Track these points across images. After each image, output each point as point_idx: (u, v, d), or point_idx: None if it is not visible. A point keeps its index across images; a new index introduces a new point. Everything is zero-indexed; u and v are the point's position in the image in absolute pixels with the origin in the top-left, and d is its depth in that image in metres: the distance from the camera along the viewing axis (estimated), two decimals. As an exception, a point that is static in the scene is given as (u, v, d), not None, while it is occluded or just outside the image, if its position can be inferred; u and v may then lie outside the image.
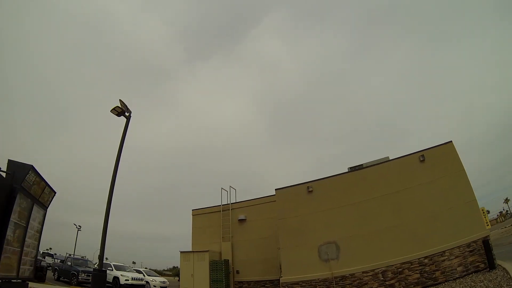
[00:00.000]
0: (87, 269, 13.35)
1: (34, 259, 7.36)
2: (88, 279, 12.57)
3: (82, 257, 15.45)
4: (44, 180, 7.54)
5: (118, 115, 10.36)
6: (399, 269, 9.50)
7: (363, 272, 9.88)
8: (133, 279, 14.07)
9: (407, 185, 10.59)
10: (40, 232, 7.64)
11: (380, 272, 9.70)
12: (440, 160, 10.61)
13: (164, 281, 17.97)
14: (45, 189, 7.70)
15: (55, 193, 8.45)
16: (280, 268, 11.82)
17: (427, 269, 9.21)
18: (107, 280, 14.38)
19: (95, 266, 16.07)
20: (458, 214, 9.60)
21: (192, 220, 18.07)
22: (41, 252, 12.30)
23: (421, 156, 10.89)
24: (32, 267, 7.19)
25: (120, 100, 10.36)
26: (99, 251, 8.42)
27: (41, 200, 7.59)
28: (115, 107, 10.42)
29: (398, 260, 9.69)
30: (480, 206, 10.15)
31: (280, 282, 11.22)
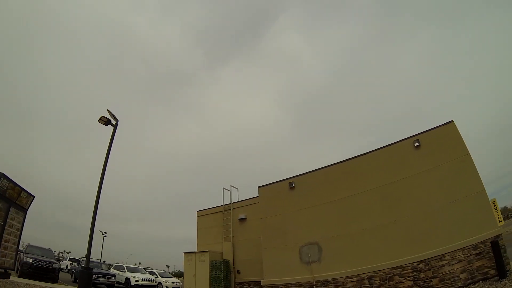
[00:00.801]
0: (98, 271, 13.66)
1: (15, 253, 8.04)
2: (98, 280, 13.05)
3: (100, 261, 16.07)
4: (18, 185, 8.10)
5: (106, 124, 10.27)
6: (389, 275, 8.00)
7: (347, 277, 8.48)
8: (142, 280, 14.34)
9: (399, 176, 8.75)
10: (20, 230, 8.21)
11: (366, 277, 8.25)
12: (439, 145, 8.65)
13: (176, 282, 17.95)
14: (21, 193, 8.24)
15: (33, 197, 8.94)
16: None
17: (422, 275, 7.55)
18: (120, 281, 14.57)
19: (108, 268, 16.38)
20: (462, 208, 7.77)
21: (197, 221, 17.59)
22: (56, 254, 13.00)
23: (416, 141, 9.09)
24: (13, 260, 7.87)
25: (107, 110, 10.27)
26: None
27: (19, 203, 8.16)
28: (101, 117, 10.33)
29: (387, 264, 8.22)
30: (490, 198, 8.26)
31: (261, 284, 10.39)
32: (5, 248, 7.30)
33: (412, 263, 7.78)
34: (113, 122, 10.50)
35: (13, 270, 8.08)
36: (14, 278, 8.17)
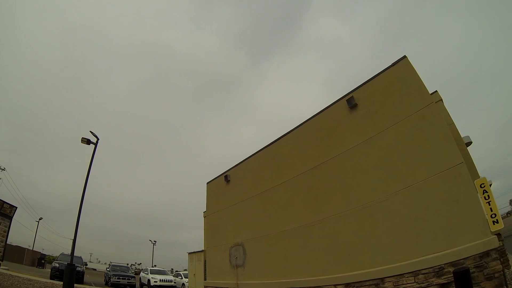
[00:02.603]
0: (122, 273, 14.79)
1: (3, 249, 9.79)
2: (118, 281, 13.79)
3: (126, 264, 18.59)
4: (1, 199, 9.96)
5: (88, 143, 11.79)
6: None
7: (262, 292, 6.36)
8: (160, 280, 15.05)
9: (328, 154, 5.61)
10: (7, 232, 10.05)
11: (280, 296, 5.88)
12: (385, 100, 5.00)
13: None
14: (4, 204, 10.03)
15: (16, 207, 10.75)
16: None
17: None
18: (144, 282, 15.49)
19: (132, 272, 17.31)
20: (422, 198, 4.15)
21: (204, 221, 18.38)
22: (85, 262, 15.55)
23: (350, 100, 5.75)
24: (2, 253, 9.65)
25: (90, 131, 11.75)
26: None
27: (3, 211, 10.00)
28: (82, 138, 11.89)
29: (306, 282, 5.56)
30: (480, 178, 3.93)
31: (204, 286, 9.24)
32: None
33: (335, 285, 4.97)
34: (94, 140, 11.62)
35: (1, 261, 9.77)
36: (25, 275, 9.56)
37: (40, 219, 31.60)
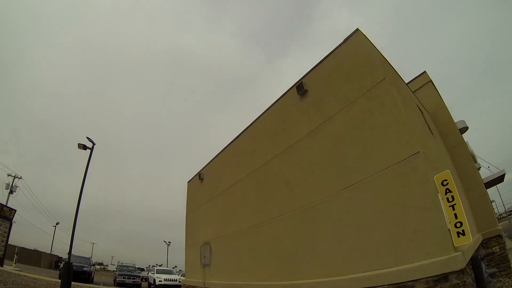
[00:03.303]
0: (128, 273, 14.87)
1: (4, 248, 10.58)
2: (124, 280, 14.07)
3: (133, 265, 19.43)
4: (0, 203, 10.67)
5: (84, 148, 12.57)
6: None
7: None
8: (165, 280, 15.18)
9: (276, 149, 4.86)
10: (7, 233, 10.79)
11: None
12: (333, 82, 4.06)
13: None
14: (4, 208, 10.82)
15: (15, 210, 11.51)
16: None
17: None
18: (151, 281, 15.55)
19: (139, 272, 17.78)
20: (373, 200, 3.22)
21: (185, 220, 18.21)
22: (94, 263, 15.85)
23: (299, 86, 4.82)
24: (3, 252, 10.48)
25: (86, 137, 12.37)
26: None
27: (3, 214, 10.73)
28: (78, 144, 12.70)
29: (257, 286, 4.81)
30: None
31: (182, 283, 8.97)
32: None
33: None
34: (90, 146, 12.31)
35: (3, 258, 10.53)
36: (34, 275, 10.14)
37: (57, 224, 31.81)
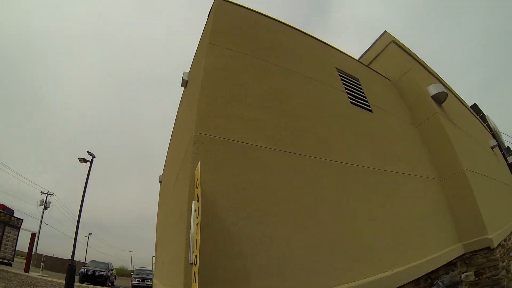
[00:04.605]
0: (143, 276, 15.32)
1: (13, 252, 11.65)
2: (138, 283, 14.57)
3: (150, 268, 20.43)
4: (8, 213, 11.73)
5: (84, 162, 12.13)
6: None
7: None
8: None
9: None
10: (16, 240, 11.90)
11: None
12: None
13: None
14: (12, 217, 11.82)
15: (22, 220, 12.44)
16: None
17: None
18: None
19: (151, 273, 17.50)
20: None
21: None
22: (111, 268, 16.21)
23: (183, 79, 4.02)
24: (12, 255, 11.52)
25: (87, 151, 12.19)
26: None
27: (12, 223, 11.79)
28: (78, 158, 12.18)
29: None
30: None
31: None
32: (5, 249, 11.22)
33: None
34: (89, 159, 12.15)
35: (12, 261, 11.61)
36: (51, 278, 10.86)
37: (89, 235, 33.26)
